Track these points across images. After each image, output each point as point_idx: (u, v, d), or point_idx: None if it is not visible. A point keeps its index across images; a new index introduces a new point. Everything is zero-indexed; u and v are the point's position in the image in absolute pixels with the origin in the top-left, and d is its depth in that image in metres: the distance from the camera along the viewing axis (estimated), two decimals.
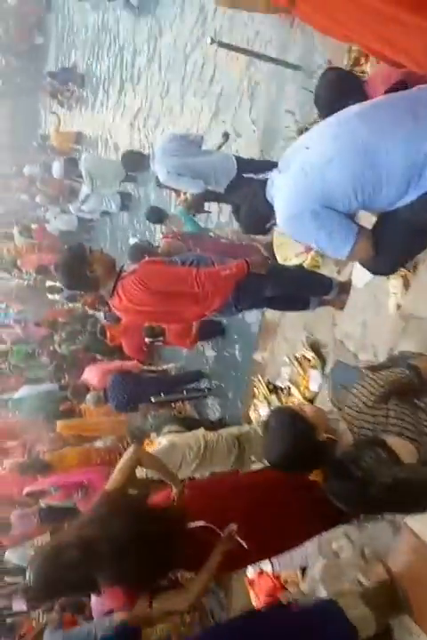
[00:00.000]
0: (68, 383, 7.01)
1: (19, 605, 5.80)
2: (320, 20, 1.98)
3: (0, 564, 6.31)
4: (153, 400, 4.93)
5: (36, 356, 8.15)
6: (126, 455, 2.15)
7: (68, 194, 9.48)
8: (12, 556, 5.92)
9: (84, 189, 8.00)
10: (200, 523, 2.00)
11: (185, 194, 4.54)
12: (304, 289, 3.22)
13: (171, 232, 4.10)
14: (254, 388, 3.86)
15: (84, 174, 7.34)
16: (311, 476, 1.95)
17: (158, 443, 4.19)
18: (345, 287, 3.14)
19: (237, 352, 5.02)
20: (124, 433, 5.38)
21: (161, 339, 4.92)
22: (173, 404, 5.09)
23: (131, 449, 2.19)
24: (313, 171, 1.63)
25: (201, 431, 4.28)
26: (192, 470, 3.87)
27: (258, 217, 1.96)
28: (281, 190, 1.74)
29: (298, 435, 1.67)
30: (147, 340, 5.13)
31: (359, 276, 2.95)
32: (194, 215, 4.75)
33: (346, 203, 1.63)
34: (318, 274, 3.23)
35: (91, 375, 5.84)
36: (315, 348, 3.40)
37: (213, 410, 5.43)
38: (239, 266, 2.67)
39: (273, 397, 3.62)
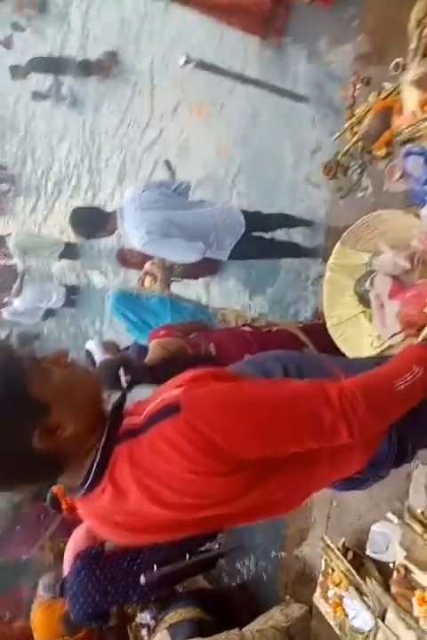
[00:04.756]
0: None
1: None
2: None
3: None
4: (143, 579, 3.22)
5: None
6: None
7: None
8: None
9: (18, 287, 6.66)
10: None
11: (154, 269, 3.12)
12: None
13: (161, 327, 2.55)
14: (324, 558, 2.32)
15: (12, 248, 6.17)
16: None
17: None
18: None
19: None
20: None
21: None
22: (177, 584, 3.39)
23: None
24: None
25: (235, 634, 2.72)
26: None
27: None
28: None
29: None
30: None
31: None
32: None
33: None
34: None
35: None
36: None
37: (227, 571, 3.78)
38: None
39: (371, 583, 2.07)
